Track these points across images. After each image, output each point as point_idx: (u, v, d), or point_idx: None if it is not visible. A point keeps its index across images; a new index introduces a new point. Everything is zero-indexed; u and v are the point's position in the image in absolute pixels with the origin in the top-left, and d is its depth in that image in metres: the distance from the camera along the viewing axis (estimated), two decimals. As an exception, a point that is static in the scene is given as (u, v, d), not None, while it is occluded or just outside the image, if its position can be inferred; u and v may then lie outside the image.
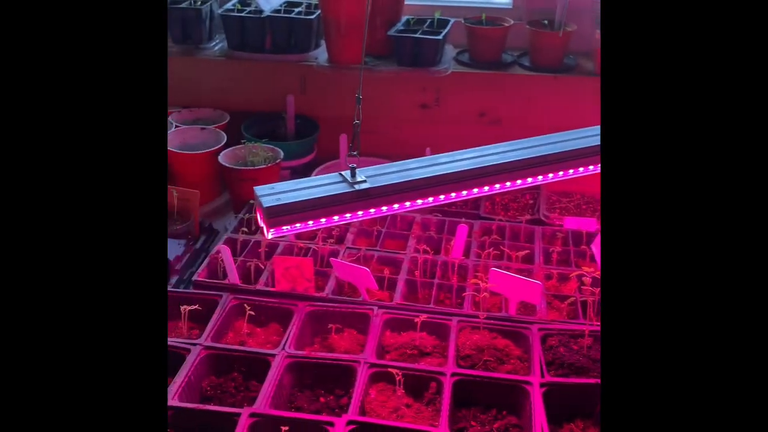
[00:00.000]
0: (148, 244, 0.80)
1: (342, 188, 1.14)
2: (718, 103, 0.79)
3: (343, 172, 1.17)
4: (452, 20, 2.25)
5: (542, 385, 1.36)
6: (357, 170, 1.17)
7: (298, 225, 1.13)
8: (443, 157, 1.44)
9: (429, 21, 2.25)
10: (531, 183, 1.40)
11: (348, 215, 1.17)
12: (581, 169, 1.46)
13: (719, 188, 0.78)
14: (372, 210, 1.19)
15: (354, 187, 1.14)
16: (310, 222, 1.14)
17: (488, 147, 1.48)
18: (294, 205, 1.10)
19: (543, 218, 2.01)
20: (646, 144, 0.81)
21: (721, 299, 0.76)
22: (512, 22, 2.22)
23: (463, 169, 1.35)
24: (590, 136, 1.48)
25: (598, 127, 1.51)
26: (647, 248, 0.79)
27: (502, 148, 1.46)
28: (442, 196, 1.34)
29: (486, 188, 1.41)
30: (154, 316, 0.79)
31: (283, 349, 1.44)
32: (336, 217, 1.15)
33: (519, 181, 1.40)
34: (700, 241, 0.77)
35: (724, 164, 0.78)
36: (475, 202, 2.13)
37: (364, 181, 1.15)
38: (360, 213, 1.18)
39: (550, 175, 1.44)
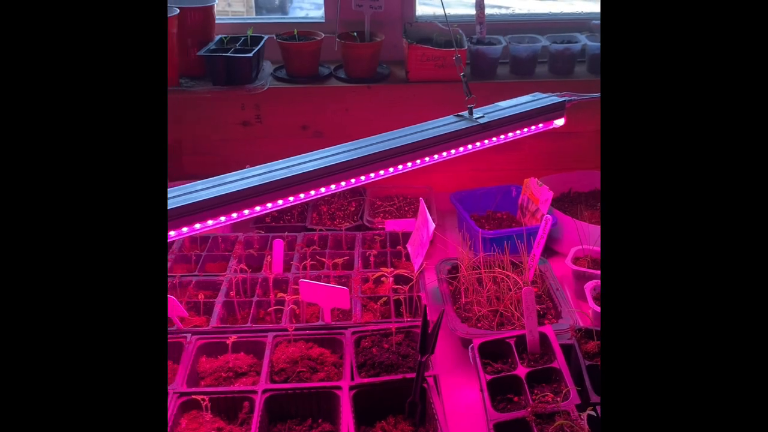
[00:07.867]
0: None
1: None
2: (714, 104, 0.80)
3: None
4: (266, 37, 2.27)
5: (351, 388, 1.39)
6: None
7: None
8: (258, 169, 1.44)
9: (242, 39, 2.26)
10: (353, 185, 1.42)
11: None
12: (400, 167, 1.51)
13: (717, 190, 0.79)
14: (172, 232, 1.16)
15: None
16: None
17: (303, 156, 1.50)
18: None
19: (366, 223, 2.07)
20: (644, 145, 0.82)
21: (720, 303, 0.77)
22: (323, 36, 2.28)
23: (277, 178, 1.36)
24: (405, 135, 1.54)
25: (412, 127, 1.58)
26: (646, 251, 0.81)
27: (319, 155, 1.48)
28: (246, 211, 1.34)
29: (302, 195, 1.42)
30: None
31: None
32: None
33: (333, 186, 1.41)
34: (699, 243, 0.79)
35: (720, 166, 0.79)
36: (302, 214, 2.16)
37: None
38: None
39: (372, 174, 1.48)
